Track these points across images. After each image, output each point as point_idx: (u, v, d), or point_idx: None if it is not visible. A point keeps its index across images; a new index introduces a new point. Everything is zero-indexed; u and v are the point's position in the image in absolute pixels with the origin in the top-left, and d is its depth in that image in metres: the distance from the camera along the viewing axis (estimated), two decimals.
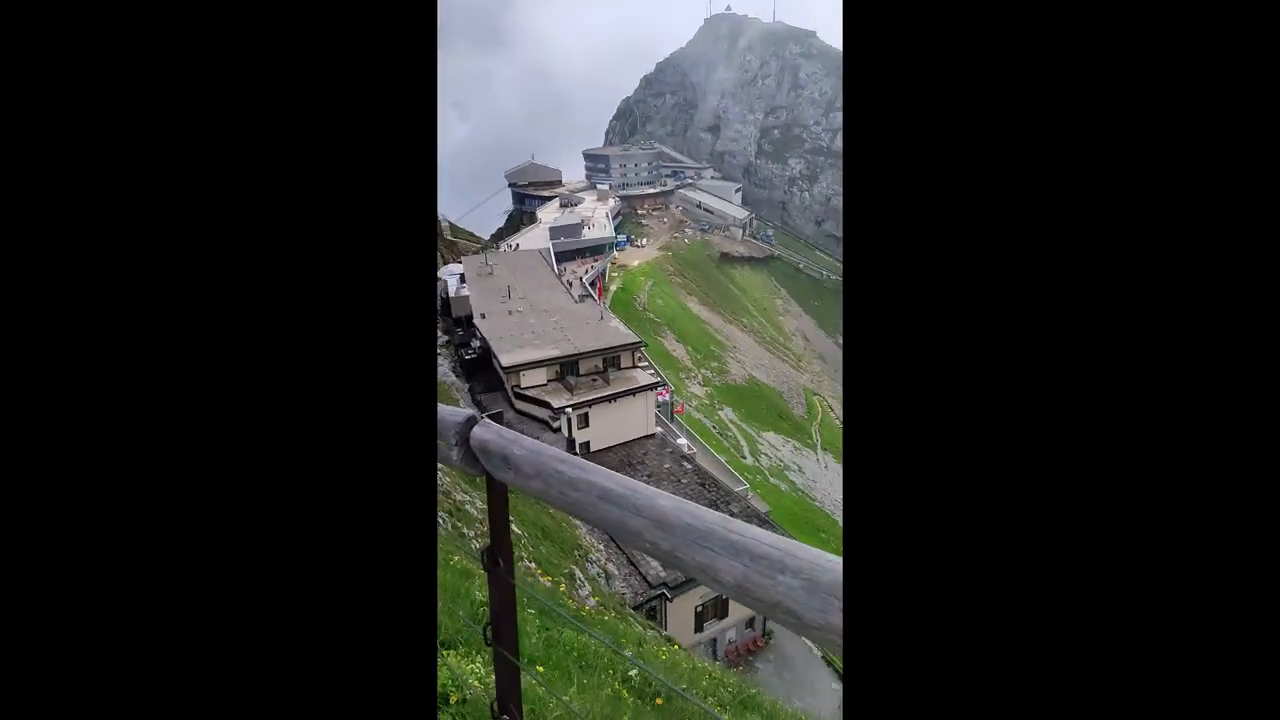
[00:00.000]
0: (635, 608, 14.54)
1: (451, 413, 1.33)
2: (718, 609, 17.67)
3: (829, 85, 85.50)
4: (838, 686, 18.16)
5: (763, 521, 18.35)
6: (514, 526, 10.81)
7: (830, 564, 0.72)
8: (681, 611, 16.62)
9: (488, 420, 1.31)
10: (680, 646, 11.41)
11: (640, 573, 16.21)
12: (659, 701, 3.48)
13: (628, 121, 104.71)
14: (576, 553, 14.02)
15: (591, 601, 10.53)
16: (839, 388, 57.99)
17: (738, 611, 18.11)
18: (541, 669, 3.03)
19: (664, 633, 13.36)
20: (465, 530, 9.47)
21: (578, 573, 12.65)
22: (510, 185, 77.86)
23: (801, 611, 0.71)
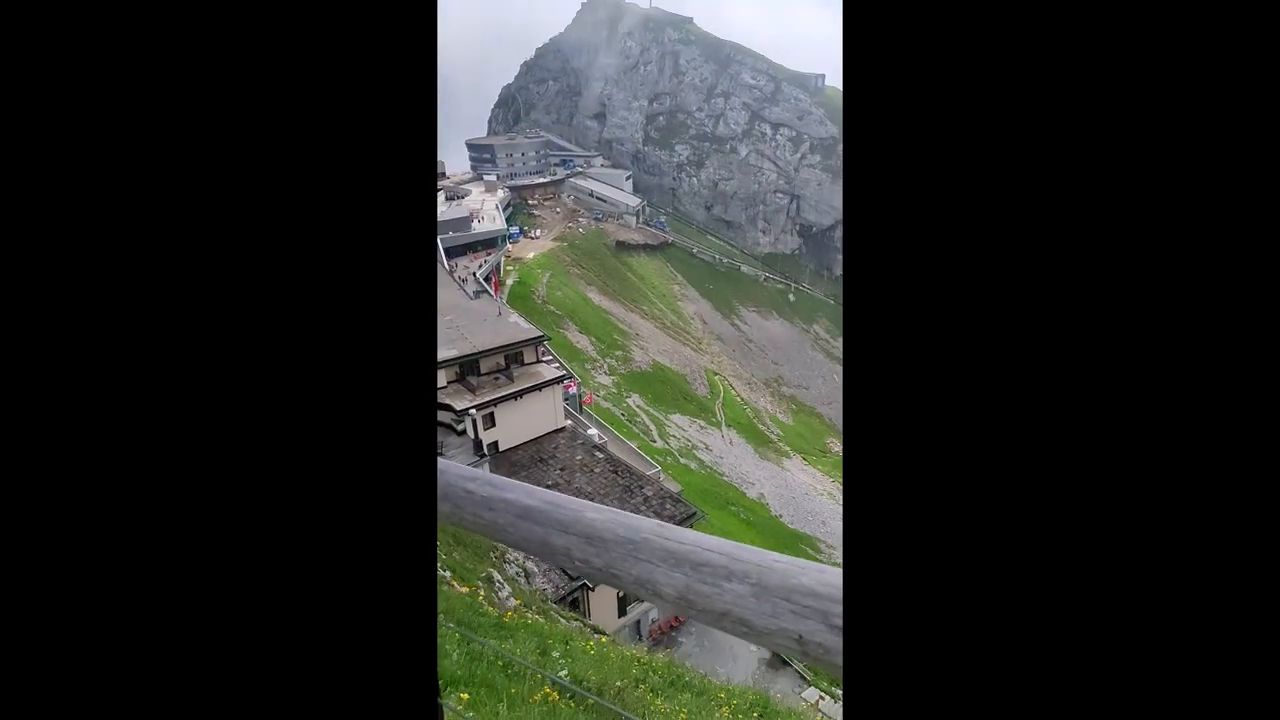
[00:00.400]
0: (558, 602, 14.39)
1: None
2: None
3: (708, 71, 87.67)
4: (755, 649, 19.08)
5: (675, 500, 18.77)
6: None
7: (776, 563, 0.68)
8: (604, 599, 16.71)
9: None
10: (606, 634, 11.44)
11: (560, 567, 16.08)
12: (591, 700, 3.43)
13: (511, 110, 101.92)
14: (493, 555, 13.63)
15: (512, 603, 10.28)
16: (738, 366, 60.37)
17: None
18: (466, 695, 2.87)
19: (589, 622, 13.34)
20: None
21: (495, 575, 12.29)
22: None
23: (752, 619, 0.67)
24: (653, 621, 18.81)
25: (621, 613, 17.57)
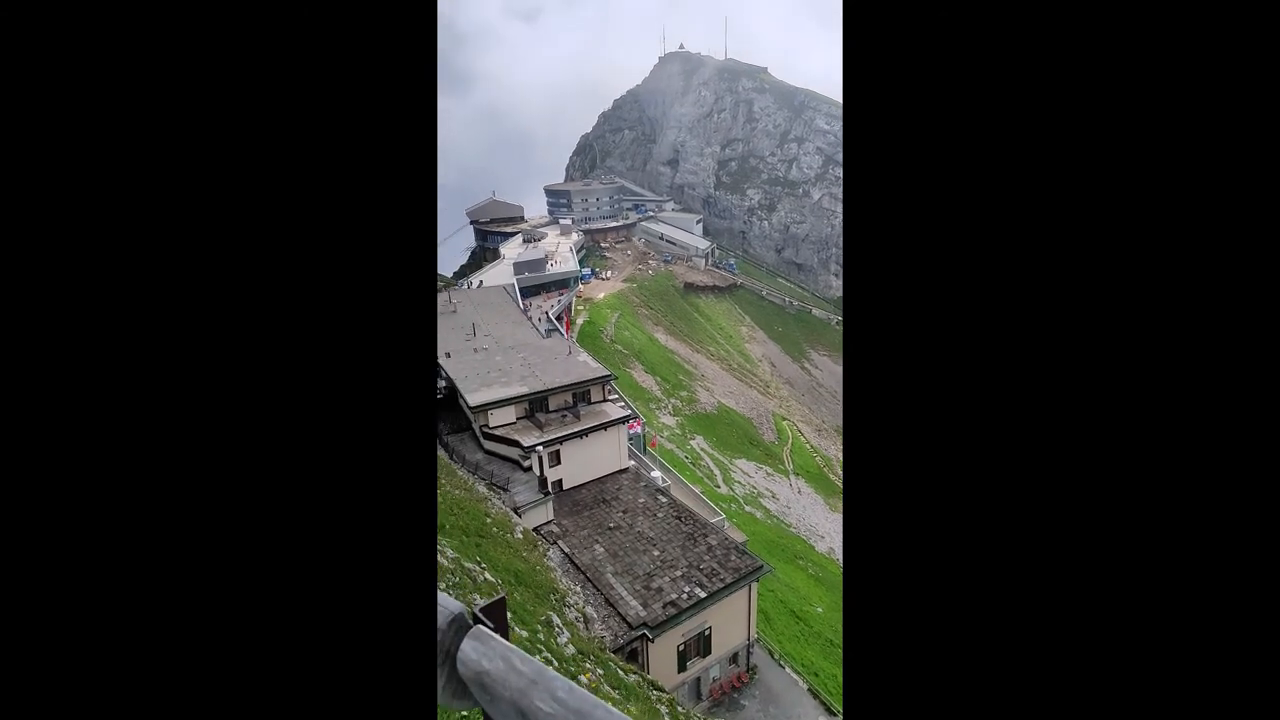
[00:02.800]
0: (616, 651, 13.98)
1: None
2: (700, 646, 17.20)
3: (782, 118, 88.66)
4: (823, 717, 17.73)
5: (740, 552, 18.05)
6: (486, 574, 10.24)
7: None
8: (663, 651, 16.11)
9: (485, 631, 0.86)
10: (664, 691, 10.92)
11: (620, 614, 15.70)
12: None
13: (587, 157, 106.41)
14: (553, 597, 13.47)
15: (570, 650, 10.04)
16: (808, 411, 58.62)
17: (720, 648, 17.67)
18: None
19: (648, 677, 12.84)
20: None
21: (555, 619, 12.10)
22: (472, 222, 77.83)
23: None
24: (714, 680, 17.93)
25: (681, 668, 16.86)
